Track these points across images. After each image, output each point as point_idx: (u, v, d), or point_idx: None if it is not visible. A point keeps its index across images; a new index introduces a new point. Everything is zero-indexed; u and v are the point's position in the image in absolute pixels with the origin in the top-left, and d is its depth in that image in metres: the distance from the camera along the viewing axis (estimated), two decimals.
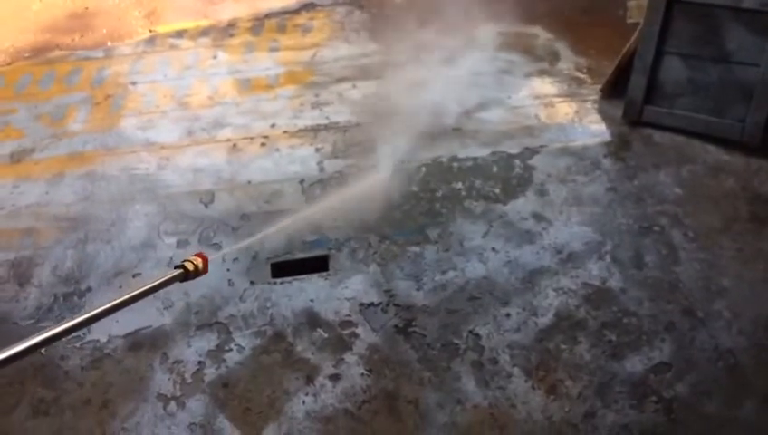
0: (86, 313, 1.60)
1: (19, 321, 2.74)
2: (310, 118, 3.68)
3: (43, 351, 2.62)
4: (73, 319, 1.55)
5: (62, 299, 2.80)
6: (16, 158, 3.58)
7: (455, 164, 3.31)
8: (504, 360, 2.53)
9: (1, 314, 2.77)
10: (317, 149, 3.46)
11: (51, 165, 3.51)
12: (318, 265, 2.89)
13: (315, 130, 3.59)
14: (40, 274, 2.90)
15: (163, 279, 1.95)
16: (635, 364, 2.49)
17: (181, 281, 1.98)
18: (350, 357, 2.55)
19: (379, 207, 3.08)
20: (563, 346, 2.56)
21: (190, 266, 1.98)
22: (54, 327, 1.53)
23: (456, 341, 2.59)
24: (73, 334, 2.63)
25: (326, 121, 3.64)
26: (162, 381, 2.51)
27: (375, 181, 3.19)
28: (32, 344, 1.48)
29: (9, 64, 4.53)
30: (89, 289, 2.82)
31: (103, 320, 2.67)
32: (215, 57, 4.36)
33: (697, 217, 3.00)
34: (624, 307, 2.68)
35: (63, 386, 2.52)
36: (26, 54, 4.63)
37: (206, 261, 2.05)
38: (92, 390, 2.50)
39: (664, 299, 2.69)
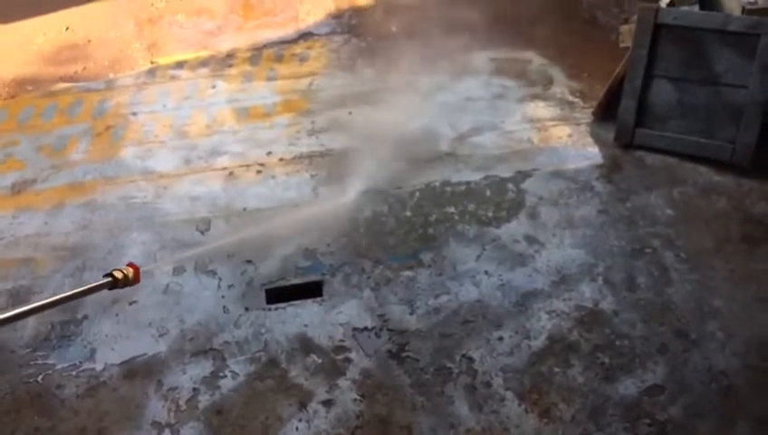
0: (8, 311, 1.68)
1: (16, 349, 2.76)
2: (305, 145, 3.73)
3: (39, 379, 2.65)
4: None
5: (59, 328, 2.82)
6: (17, 189, 3.64)
7: (448, 189, 3.35)
8: (498, 383, 2.53)
9: None
10: (312, 176, 3.50)
11: (51, 195, 3.56)
12: (312, 290, 2.91)
13: (310, 157, 3.64)
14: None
15: (92, 285, 2.05)
16: (628, 387, 2.49)
17: (110, 289, 2.06)
18: (343, 382, 2.56)
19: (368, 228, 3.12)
20: (556, 369, 2.57)
21: (119, 275, 2.06)
22: None
23: (449, 365, 2.60)
24: (66, 362, 2.68)
25: (321, 149, 3.69)
26: (157, 409, 2.52)
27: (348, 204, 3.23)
28: None
29: (13, 97, 4.62)
30: (85, 317, 2.85)
31: (100, 348, 2.74)
32: (213, 87, 4.44)
33: (689, 239, 3.02)
34: (617, 329, 2.68)
35: (59, 414, 2.53)
36: (29, 87, 4.72)
37: (137, 271, 2.12)
38: (88, 418, 2.51)
39: (656, 321, 2.70)
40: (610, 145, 3.55)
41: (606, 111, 3.69)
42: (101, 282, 2.05)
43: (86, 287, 2.01)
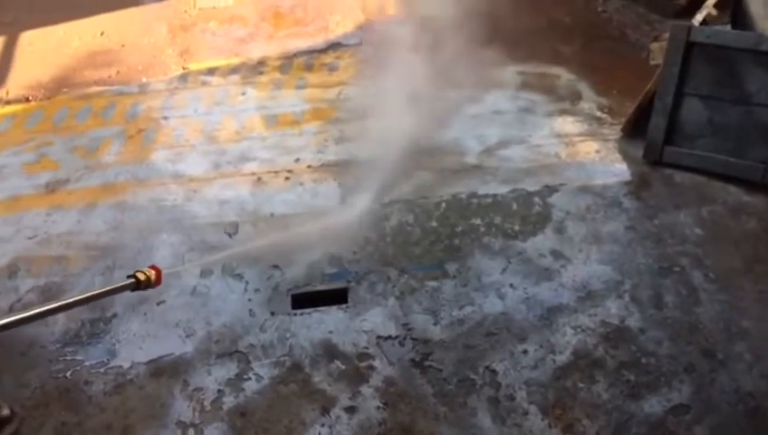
0: (37, 308, 1.73)
1: (47, 345, 2.82)
2: (334, 153, 3.77)
3: (68, 375, 2.70)
4: (25, 312, 1.69)
5: (88, 325, 2.87)
6: (51, 188, 3.72)
7: (474, 200, 3.36)
8: (521, 397, 2.53)
9: (30, 337, 2.85)
10: (339, 184, 3.53)
11: (83, 195, 3.63)
12: (337, 297, 2.93)
13: (338, 165, 3.68)
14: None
15: (115, 286, 2.10)
16: (653, 405, 2.47)
17: (132, 290, 2.10)
18: (366, 390, 2.57)
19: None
20: (581, 385, 2.56)
21: (142, 277, 2.11)
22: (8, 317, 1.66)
23: (472, 376, 2.60)
24: (94, 359, 2.72)
25: (349, 157, 3.73)
26: (182, 408, 2.55)
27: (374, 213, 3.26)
28: None
29: (48, 99, 4.73)
30: (114, 315, 2.89)
31: (128, 346, 2.78)
32: (244, 94, 4.50)
33: (718, 259, 2.99)
34: (643, 347, 2.67)
35: (86, 410, 2.58)
36: (65, 89, 4.83)
37: (159, 273, 2.17)
38: (114, 415, 2.55)
39: (684, 340, 2.68)
40: (639, 162, 3.53)
41: (635, 128, 3.68)
42: (125, 283, 2.09)
43: (110, 288, 2.06)
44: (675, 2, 4.85)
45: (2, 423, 2.50)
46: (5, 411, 2.51)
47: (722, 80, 3.26)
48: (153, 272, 2.15)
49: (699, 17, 3.40)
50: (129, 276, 2.05)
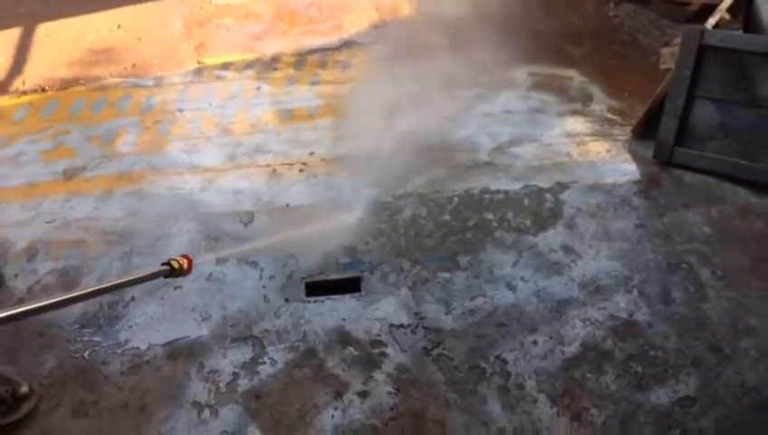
0: (76, 291, 1.78)
1: (65, 326, 2.87)
2: (347, 147, 3.82)
3: (86, 355, 2.75)
4: (62, 295, 1.75)
5: (106, 308, 2.92)
6: (69, 175, 3.78)
7: (486, 196, 3.41)
8: (530, 386, 2.57)
9: (48, 318, 2.89)
10: (353, 177, 3.59)
11: (100, 183, 3.70)
12: (351, 286, 2.98)
13: (352, 158, 3.73)
14: (87, 282, 3.04)
15: (150, 272, 2.16)
16: (660, 396, 2.51)
17: (165, 277, 2.17)
18: (378, 375, 2.62)
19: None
20: (589, 375, 2.60)
21: (176, 265, 2.17)
22: (43, 300, 1.72)
23: (483, 365, 2.64)
24: (111, 340, 2.77)
25: (363, 151, 3.77)
26: (197, 390, 2.60)
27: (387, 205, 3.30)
28: (21, 311, 1.68)
29: (65, 89, 4.80)
30: (132, 299, 2.94)
31: (145, 328, 2.84)
32: (258, 88, 4.57)
33: (726, 257, 3.04)
34: (650, 341, 2.71)
35: (103, 390, 2.62)
36: (81, 80, 4.89)
37: (190, 263, 2.24)
38: (130, 394, 2.60)
39: (691, 335, 2.72)
40: (649, 162, 3.58)
41: (645, 130, 3.73)
42: (159, 269, 2.15)
43: (146, 273, 2.11)
44: (685, 8, 4.93)
45: (20, 400, 2.54)
46: (24, 389, 2.56)
47: (734, 83, 3.31)
48: (185, 261, 2.21)
49: (712, 21, 3.45)
50: (163, 264, 2.10)
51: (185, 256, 2.24)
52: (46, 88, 4.87)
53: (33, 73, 5.01)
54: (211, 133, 4.10)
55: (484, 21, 5.00)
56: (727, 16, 3.53)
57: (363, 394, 2.56)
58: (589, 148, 3.75)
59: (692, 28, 3.37)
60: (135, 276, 2.07)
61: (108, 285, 1.97)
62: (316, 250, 3.11)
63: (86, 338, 2.82)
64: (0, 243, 3.28)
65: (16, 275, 3.11)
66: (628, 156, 3.67)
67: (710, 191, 3.38)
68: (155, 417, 2.51)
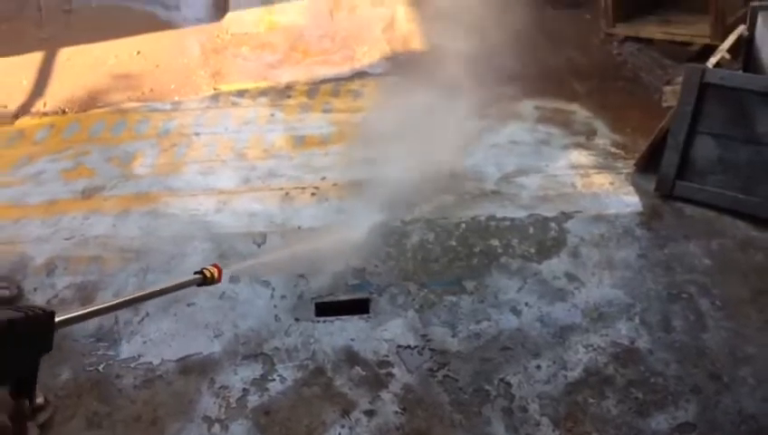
0: (115, 299, 1.88)
1: (80, 338, 2.95)
2: (358, 173, 3.94)
3: (100, 368, 2.83)
4: (103, 303, 1.84)
5: (121, 322, 3.01)
6: (87, 194, 3.90)
7: (492, 223, 3.51)
8: (534, 409, 2.63)
9: (64, 331, 2.93)
10: (363, 201, 3.70)
11: (118, 202, 3.81)
12: (359, 307, 3.07)
13: (362, 184, 3.85)
14: (103, 297, 3.13)
15: (185, 280, 2.26)
16: (660, 422, 2.57)
17: (198, 285, 2.26)
18: (385, 395, 2.69)
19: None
20: (591, 400, 2.66)
21: (208, 274, 2.27)
22: (84, 308, 1.81)
23: (487, 387, 2.71)
24: (126, 354, 2.85)
25: (373, 177, 3.89)
26: (208, 404, 2.67)
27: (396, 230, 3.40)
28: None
29: (85, 111, 4.96)
30: (147, 314, 3.03)
31: (158, 344, 2.91)
32: (272, 115, 4.71)
33: (726, 288, 3.11)
34: (651, 367, 2.77)
35: (117, 402, 2.70)
36: (100, 104, 5.05)
37: (220, 272, 2.34)
38: (143, 407, 2.67)
39: (690, 362, 2.79)
40: (651, 195, 3.68)
41: (648, 163, 3.84)
42: (193, 278, 2.23)
43: (180, 282, 2.19)
44: (687, 48, 5.08)
45: (36, 410, 2.61)
46: (40, 399, 2.63)
47: (733, 120, 3.43)
48: (216, 270, 2.30)
49: (713, 60, 3.58)
50: (195, 273, 2.19)
51: (215, 265, 2.33)
52: (66, 110, 5.03)
53: (55, 96, 5.18)
54: (226, 157, 4.23)
55: (492, 55, 5.14)
56: (728, 56, 3.66)
57: (370, 413, 2.62)
58: (593, 180, 3.85)
59: (694, 67, 3.50)
60: (173, 284, 2.16)
61: (147, 292, 2.06)
62: (326, 272, 3.20)
63: (101, 352, 2.90)
64: (20, 257, 3.39)
65: (35, 289, 3.21)
66: (630, 188, 3.77)
67: (711, 224, 3.47)
68: (167, 430, 2.58)
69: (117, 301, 1.99)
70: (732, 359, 2.79)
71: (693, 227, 3.47)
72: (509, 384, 2.72)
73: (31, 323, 1.91)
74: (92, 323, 3.01)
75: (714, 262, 3.25)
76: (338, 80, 5.19)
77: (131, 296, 2.05)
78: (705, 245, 3.35)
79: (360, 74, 5.24)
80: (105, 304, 1.97)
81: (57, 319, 1.81)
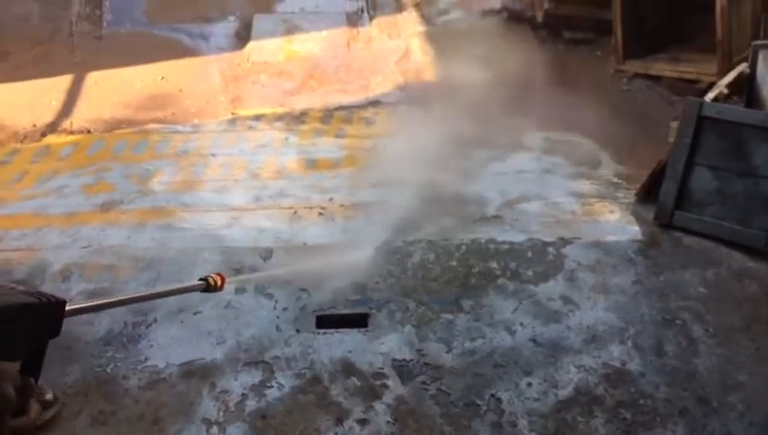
0: (119, 296, 2.01)
1: (91, 342, 3.07)
2: (365, 195, 4.08)
3: (108, 369, 2.95)
4: (109, 298, 1.98)
5: (130, 327, 3.13)
6: (106, 207, 4.08)
7: (492, 246, 3.60)
8: (523, 425, 2.69)
9: (75, 334, 3.11)
10: (368, 222, 3.82)
11: (135, 215, 3.98)
12: (358, 321, 3.16)
13: (369, 205, 3.98)
14: None
15: (189, 284, 2.39)
16: None
17: (201, 291, 2.38)
18: (378, 405, 2.76)
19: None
20: (580, 419, 2.71)
21: (211, 281, 2.39)
22: (93, 301, 1.96)
23: (478, 402, 2.78)
24: (132, 357, 2.97)
25: (379, 200, 4.03)
26: (208, 407, 2.76)
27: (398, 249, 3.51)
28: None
29: (109, 131, 5.18)
30: (155, 320, 3.15)
31: (164, 348, 3.03)
32: (286, 139, 4.89)
33: (719, 316, 3.16)
34: (641, 389, 2.82)
35: (122, 401, 2.80)
36: (124, 125, 5.28)
37: (223, 280, 2.47)
38: (146, 407, 2.77)
39: (680, 386, 2.83)
40: (650, 224, 3.76)
41: (648, 194, 3.92)
42: (197, 283, 2.37)
43: (184, 286, 2.33)
44: (695, 85, 5.19)
45: (45, 406, 2.74)
46: (49, 396, 2.75)
47: (730, 152, 3.51)
48: (219, 278, 2.43)
49: (711, 95, 3.69)
50: (200, 279, 2.32)
51: (218, 274, 2.45)
52: (92, 130, 5.26)
53: (81, 116, 5.42)
54: (240, 177, 4.40)
55: (502, 87, 5.31)
56: (726, 91, 3.76)
57: (363, 422, 2.70)
58: (594, 208, 3.94)
59: (692, 100, 3.60)
60: (176, 287, 2.30)
61: (154, 292, 2.20)
62: (328, 286, 3.31)
63: (109, 354, 3.02)
64: (38, 263, 3.55)
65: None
66: (630, 217, 3.86)
67: (707, 253, 3.53)
68: (167, 430, 2.67)
69: (123, 297, 2.13)
70: (722, 385, 2.83)
71: (690, 256, 3.53)
72: (500, 400, 2.78)
73: (43, 309, 2.06)
74: (103, 327, 3.14)
75: (709, 290, 3.31)
76: (352, 107, 5.37)
77: (138, 294, 2.19)
78: (700, 273, 3.41)
79: (373, 103, 5.43)
80: (112, 299, 2.12)
81: (67, 308, 1.95)
